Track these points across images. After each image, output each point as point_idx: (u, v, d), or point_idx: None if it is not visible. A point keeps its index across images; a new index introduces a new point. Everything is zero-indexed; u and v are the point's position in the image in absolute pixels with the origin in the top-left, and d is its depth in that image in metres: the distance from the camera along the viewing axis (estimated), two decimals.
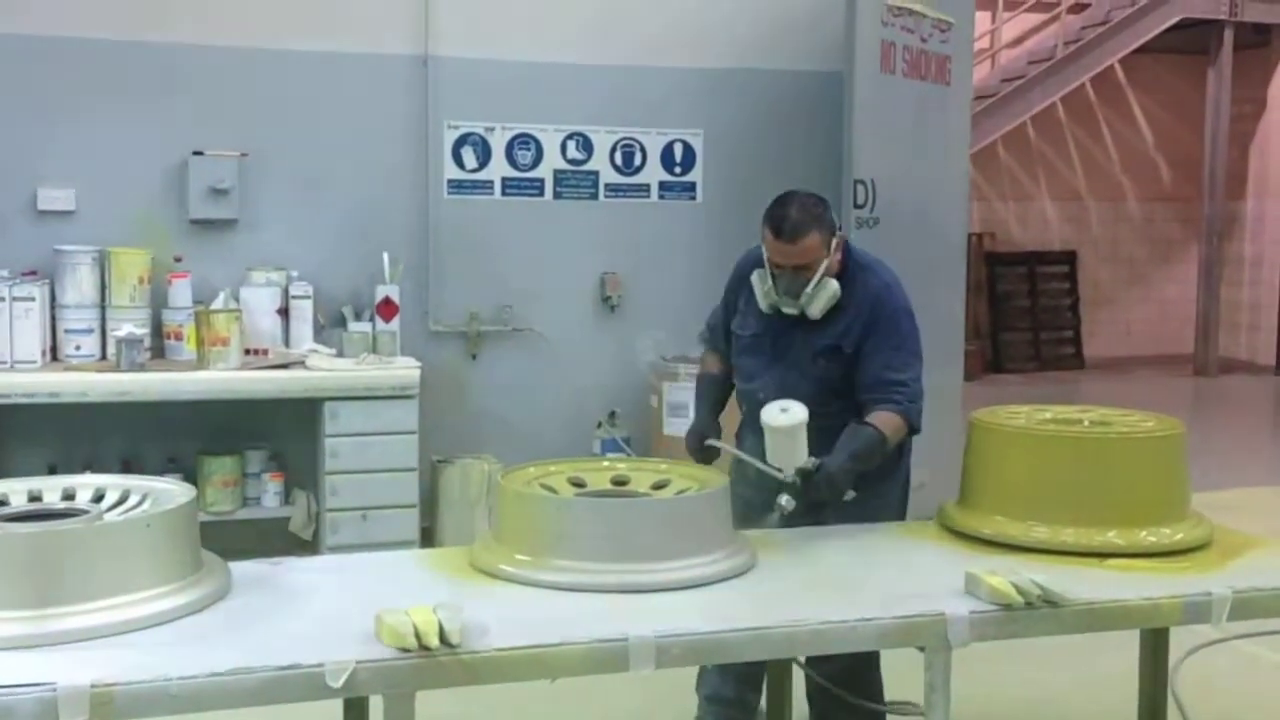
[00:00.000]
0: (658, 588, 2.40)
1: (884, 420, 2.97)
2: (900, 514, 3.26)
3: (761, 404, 3.04)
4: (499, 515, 2.59)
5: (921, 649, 2.29)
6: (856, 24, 5.12)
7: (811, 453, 2.85)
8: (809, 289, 3.06)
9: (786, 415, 2.83)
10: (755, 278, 3.16)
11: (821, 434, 2.93)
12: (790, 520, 2.89)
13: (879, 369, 3.04)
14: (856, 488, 2.93)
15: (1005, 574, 2.35)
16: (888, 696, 3.31)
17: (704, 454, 3.18)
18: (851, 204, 5.13)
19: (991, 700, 3.68)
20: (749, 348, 3.26)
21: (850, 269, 3.14)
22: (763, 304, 3.15)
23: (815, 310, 3.08)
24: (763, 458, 2.92)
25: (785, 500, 2.80)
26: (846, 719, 3.20)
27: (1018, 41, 12.14)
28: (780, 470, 2.82)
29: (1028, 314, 12.65)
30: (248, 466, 4.97)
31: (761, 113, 5.85)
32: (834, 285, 3.07)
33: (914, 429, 3.08)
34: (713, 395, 3.34)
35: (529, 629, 2.17)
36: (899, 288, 3.18)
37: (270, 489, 4.96)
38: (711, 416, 3.30)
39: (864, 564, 2.67)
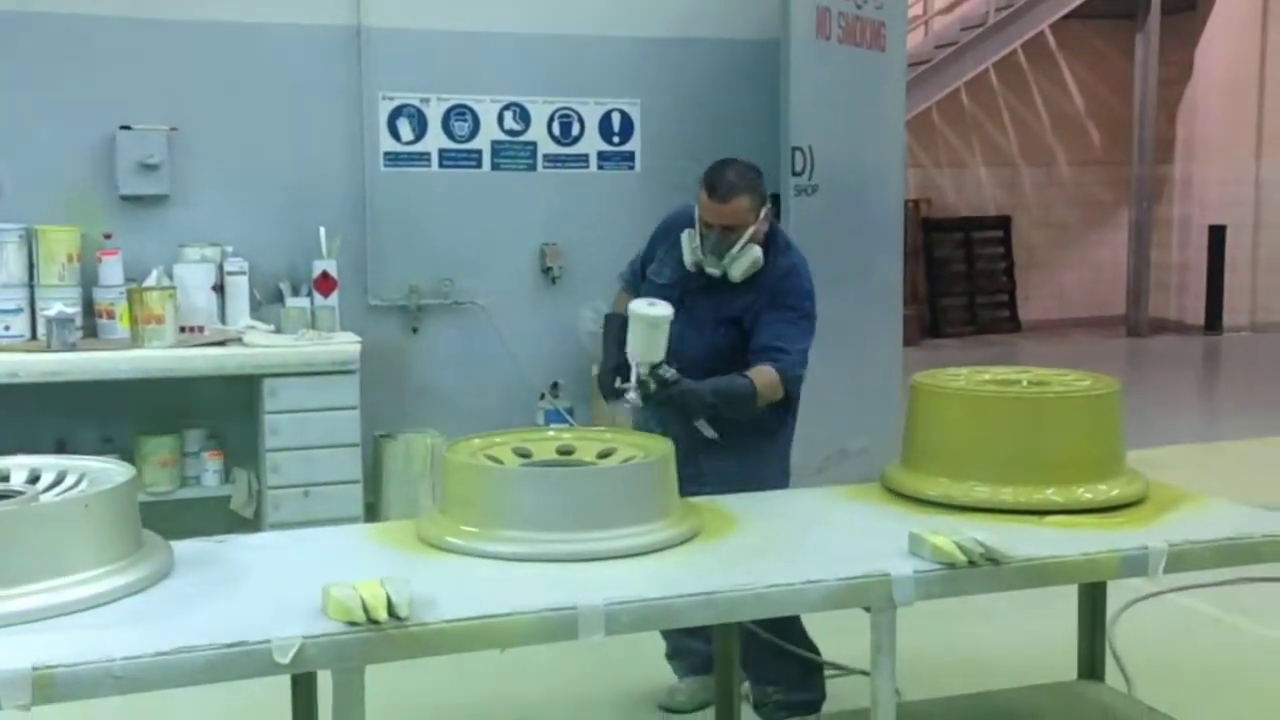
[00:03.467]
0: (605, 556, 2.40)
1: (758, 373, 3.14)
2: (783, 481, 3.40)
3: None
4: (444, 487, 2.58)
5: (867, 609, 2.32)
6: None
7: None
8: (733, 250, 3.23)
9: (653, 308, 3.02)
10: (685, 235, 3.33)
11: None
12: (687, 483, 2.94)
13: (769, 337, 3.21)
14: (724, 435, 3.14)
15: (948, 533, 2.39)
16: (833, 658, 3.39)
17: (617, 395, 3.29)
18: (790, 171, 5.15)
19: (936, 659, 3.75)
20: (657, 296, 3.34)
21: (770, 248, 3.30)
22: (688, 260, 3.31)
23: (736, 272, 3.25)
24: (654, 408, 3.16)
25: (633, 395, 3.02)
26: (778, 669, 3.31)
27: (950, 8, 12.24)
28: (639, 367, 3.01)
29: (964, 279, 12.82)
30: (186, 446, 4.90)
31: (699, 81, 5.83)
32: (757, 251, 3.25)
33: (790, 394, 3.24)
34: (622, 336, 3.35)
35: (477, 600, 2.17)
36: (806, 270, 3.36)
37: (210, 468, 4.90)
38: (622, 355, 3.32)
39: (808, 527, 2.69)
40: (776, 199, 5.35)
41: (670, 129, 5.82)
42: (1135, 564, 2.49)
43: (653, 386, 3.02)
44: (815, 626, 3.40)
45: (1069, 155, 13.38)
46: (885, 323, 5.85)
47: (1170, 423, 7.83)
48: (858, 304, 5.53)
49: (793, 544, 2.55)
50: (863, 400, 5.53)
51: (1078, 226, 13.53)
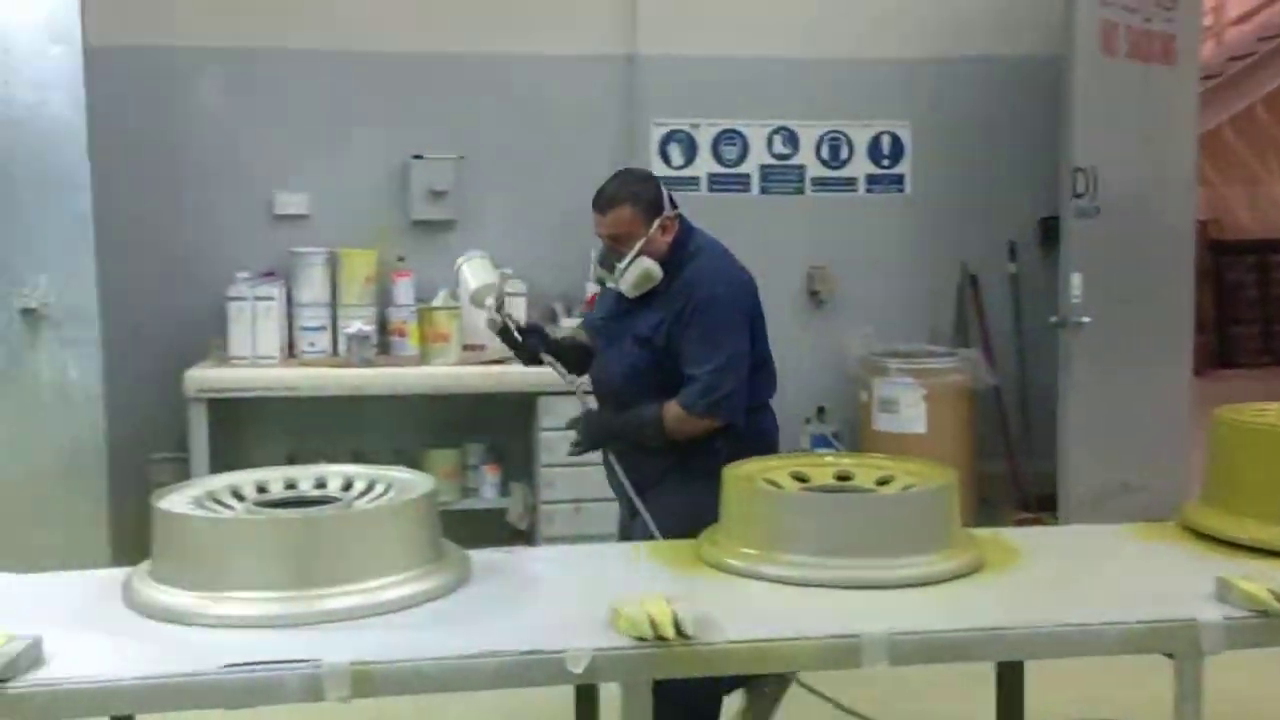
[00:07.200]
0: (886, 584, 2.36)
1: (667, 408, 3.09)
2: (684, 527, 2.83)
3: (592, 389, 3.30)
4: (724, 509, 2.61)
5: (1170, 656, 2.20)
6: (1076, 5, 4.94)
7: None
8: (621, 264, 3.10)
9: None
10: (592, 253, 3.25)
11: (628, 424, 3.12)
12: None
13: (685, 362, 3.09)
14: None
15: (1261, 579, 2.23)
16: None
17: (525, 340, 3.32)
18: (1071, 193, 4.96)
19: (1238, 713, 3.49)
20: (599, 330, 3.32)
21: (680, 256, 3.13)
22: (591, 278, 3.28)
23: (626, 286, 3.12)
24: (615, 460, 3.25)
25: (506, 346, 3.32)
26: None
27: (1245, 17, 11.45)
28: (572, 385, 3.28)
29: (1257, 305, 11.93)
30: (467, 459, 5.15)
31: (973, 101, 5.72)
32: (647, 264, 3.10)
33: (716, 419, 3.08)
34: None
35: (759, 622, 2.17)
36: (722, 274, 3.14)
37: (488, 480, 5.13)
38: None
39: (1100, 565, 2.57)
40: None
41: (942, 150, 5.72)
42: None
43: (511, 326, 3.22)
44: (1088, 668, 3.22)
45: None
46: (1173, 351, 5.52)
47: None
48: (1143, 331, 5.26)
49: (1084, 582, 2.45)
50: (1147, 433, 5.24)
51: None
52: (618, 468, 3.23)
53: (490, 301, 3.22)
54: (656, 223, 3.12)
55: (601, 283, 3.24)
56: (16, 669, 1.90)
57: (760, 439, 3.17)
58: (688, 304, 3.08)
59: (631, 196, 3.13)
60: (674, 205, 3.20)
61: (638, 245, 3.10)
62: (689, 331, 3.08)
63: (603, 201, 3.15)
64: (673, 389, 3.10)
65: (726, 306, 3.11)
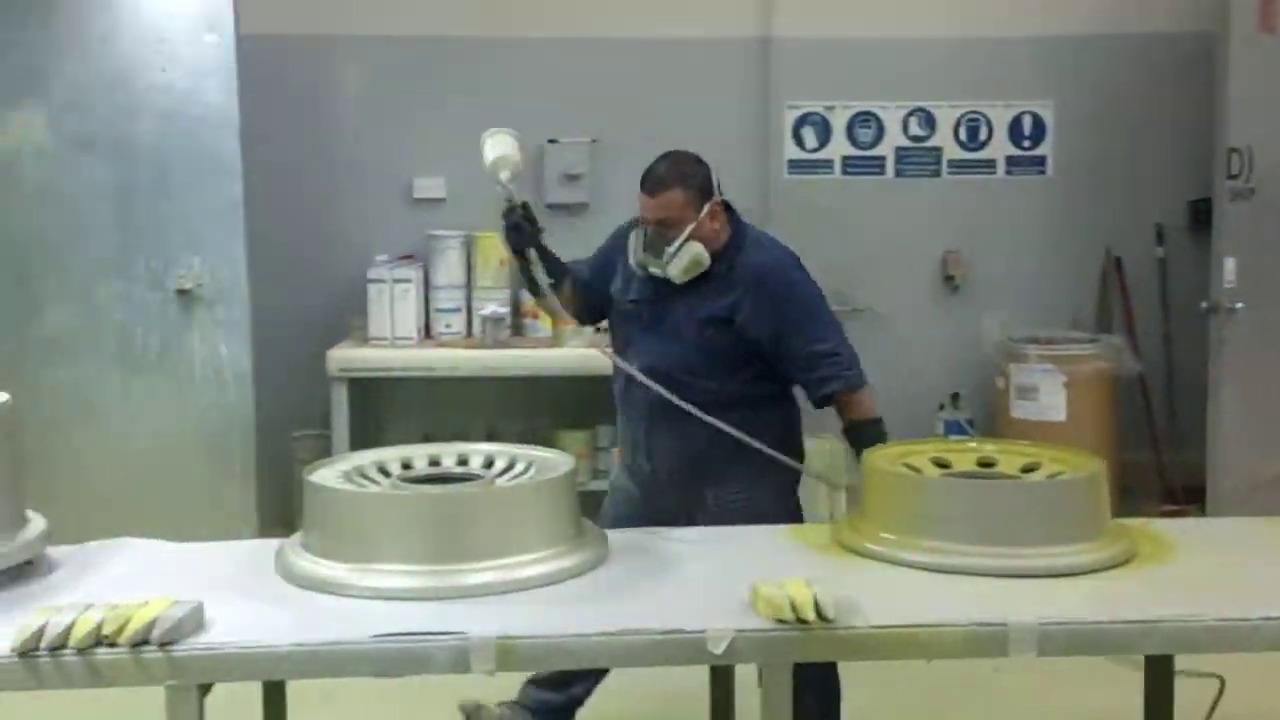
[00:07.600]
0: (1031, 573, 2.31)
1: (855, 409, 3.10)
2: (787, 515, 2.99)
3: (631, 376, 3.06)
4: (864, 493, 2.58)
5: None
6: None
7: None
8: (670, 248, 2.99)
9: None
10: (632, 235, 3.11)
11: (707, 409, 2.95)
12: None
13: (805, 344, 3.03)
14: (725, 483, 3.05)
15: None
16: None
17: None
18: (1225, 174, 4.78)
19: None
20: (628, 315, 3.16)
21: (736, 243, 3.07)
22: (632, 261, 3.09)
23: (675, 271, 3.01)
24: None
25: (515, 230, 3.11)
26: None
27: None
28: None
29: None
30: (598, 440, 5.20)
31: (1118, 80, 5.54)
32: (697, 249, 2.99)
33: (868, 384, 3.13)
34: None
35: (902, 608, 2.15)
36: (791, 259, 3.14)
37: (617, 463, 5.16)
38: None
39: (1257, 559, 2.48)
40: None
41: (1086, 131, 5.55)
42: None
43: (516, 203, 3.05)
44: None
45: None
46: None
47: None
48: None
49: (1240, 575, 2.36)
50: None
51: None
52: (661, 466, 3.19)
53: (505, 175, 3.06)
54: (706, 208, 3.03)
55: (644, 267, 3.07)
56: (181, 632, 1.98)
57: (796, 423, 3.22)
58: (775, 287, 3.04)
59: (682, 179, 3.04)
60: (720, 191, 3.12)
61: (687, 230, 3.00)
62: (787, 311, 3.03)
63: (652, 183, 3.05)
64: (742, 367, 3.05)
65: (811, 285, 3.13)
